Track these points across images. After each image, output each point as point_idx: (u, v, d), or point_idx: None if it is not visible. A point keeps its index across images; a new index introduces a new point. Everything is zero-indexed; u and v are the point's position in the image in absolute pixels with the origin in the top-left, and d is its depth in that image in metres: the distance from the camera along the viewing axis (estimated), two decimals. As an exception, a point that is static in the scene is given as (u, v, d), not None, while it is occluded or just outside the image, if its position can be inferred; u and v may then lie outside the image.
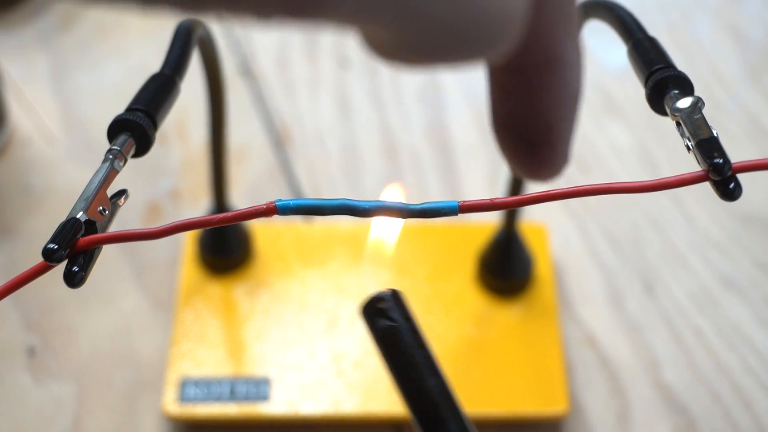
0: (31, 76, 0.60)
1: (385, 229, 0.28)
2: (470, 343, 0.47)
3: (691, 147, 0.22)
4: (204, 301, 0.48)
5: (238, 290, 0.49)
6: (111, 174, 0.23)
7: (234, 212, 0.22)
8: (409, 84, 0.61)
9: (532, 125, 0.19)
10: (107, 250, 0.23)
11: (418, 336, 0.25)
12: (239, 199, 0.53)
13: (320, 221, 0.52)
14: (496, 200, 0.22)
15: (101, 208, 0.23)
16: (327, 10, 0.14)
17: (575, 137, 0.21)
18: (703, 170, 0.22)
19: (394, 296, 0.25)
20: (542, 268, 0.49)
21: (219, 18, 0.14)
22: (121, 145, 0.24)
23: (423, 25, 0.14)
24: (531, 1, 0.16)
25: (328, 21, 0.15)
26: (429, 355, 0.25)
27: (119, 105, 0.26)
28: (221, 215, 0.22)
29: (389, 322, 0.24)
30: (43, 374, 0.48)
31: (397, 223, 0.29)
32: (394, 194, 0.29)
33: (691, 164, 0.22)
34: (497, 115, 0.20)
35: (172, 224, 0.22)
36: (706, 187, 0.22)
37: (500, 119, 0.20)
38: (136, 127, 0.25)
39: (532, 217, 0.53)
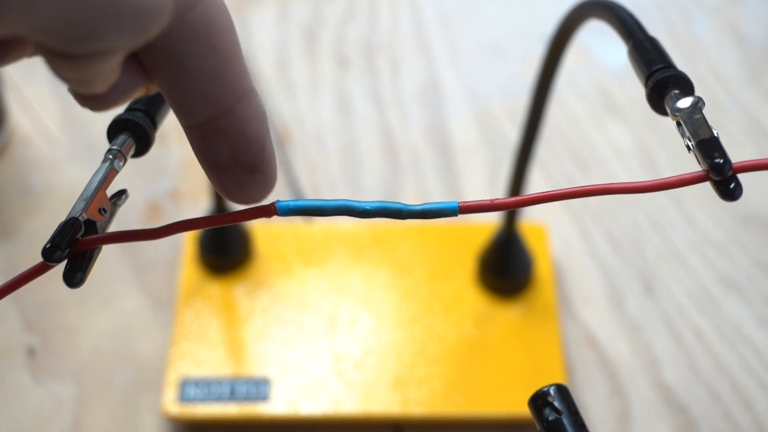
0: (31, 76, 0.60)
1: None
2: (470, 343, 0.47)
3: (691, 147, 0.22)
4: (204, 301, 0.48)
5: (238, 290, 0.49)
6: (111, 174, 0.23)
7: (234, 212, 0.22)
8: (409, 84, 0.61)
9: (250, 152, 0.21)
10: (107, 250, 0.23)
11: (583, 428, 0.26)
12: (239, 199, 0.53)
13: (320, 221, 0.52)
14: (496, 201, 0.22)
15: (101, 208, 0.22)
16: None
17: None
18: (704, 170, 0.22)
19: (559, 390, 0.26)
20: (542, 268, 0.49)
21: None
22: (121, 145, 0.24)
23: (79, 12, 0.17)
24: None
25: None
26: None
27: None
28: (221, 215, 0.22)
29: (555, 414, 0.26)
30: (43, 374, 0.48)
31: None
32: None
33: (691, 164, 0.22)
34: (214, 160, 0.21)
35: (172, 224, 0.22)
36: (706, 187, 0.22)
37: (217, 162, 0.21)
38: (136, 127, 0.25)
39: (532, 217, 0.53)
